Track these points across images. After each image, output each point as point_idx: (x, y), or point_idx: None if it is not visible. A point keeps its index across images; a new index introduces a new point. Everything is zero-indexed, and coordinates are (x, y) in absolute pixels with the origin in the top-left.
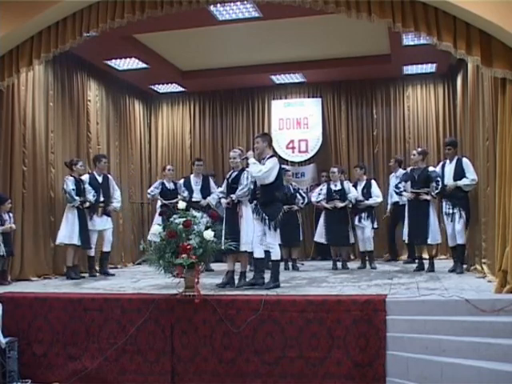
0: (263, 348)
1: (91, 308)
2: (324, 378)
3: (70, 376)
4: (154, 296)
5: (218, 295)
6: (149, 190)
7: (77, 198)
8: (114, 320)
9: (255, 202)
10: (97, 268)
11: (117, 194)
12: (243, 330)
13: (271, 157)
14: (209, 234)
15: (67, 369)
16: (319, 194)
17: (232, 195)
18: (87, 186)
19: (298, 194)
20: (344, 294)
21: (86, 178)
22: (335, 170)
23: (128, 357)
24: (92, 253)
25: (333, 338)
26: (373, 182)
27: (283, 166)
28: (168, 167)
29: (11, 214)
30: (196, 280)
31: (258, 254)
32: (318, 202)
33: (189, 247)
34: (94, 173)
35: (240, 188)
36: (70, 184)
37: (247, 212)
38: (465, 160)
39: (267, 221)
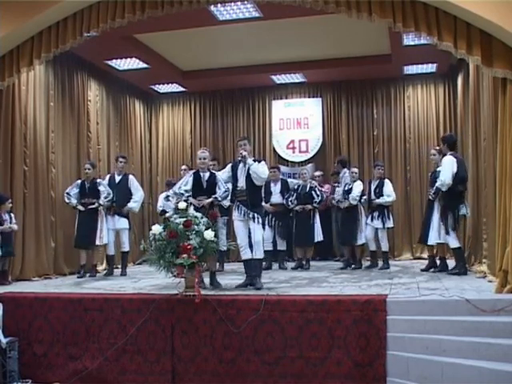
0: (263, 348)
1: (91, 308)
2: (324, 378)
3: (71, 376)
4: (154, 296)
5: (219, 295)
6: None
7: (72, 200)
8: (114, 320)
9: (238, 203)
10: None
11: (137, 194)
12: (243, 330)
13: (262, 160)
14: (209, 234)
15: (67, 369)
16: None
17: (216, 196)
18: (101, 187)
19: (313, 192)
20: (344, 294)
21: (106, 178)
22: (356, 170)
23: (128, 357)
24: (111, 252)
25: (333, 338)
26: (386, 180)
27: (302, 167)
28: (182, 167)
29: (12, 214)
30: (196, 280)
31: (248, 255)
32: (337, 202)
33: (189, 247)
34: (115, 173)
35: (223, 191)
36: (69, 188)
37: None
38: (444, 159)
39: (259, 219)
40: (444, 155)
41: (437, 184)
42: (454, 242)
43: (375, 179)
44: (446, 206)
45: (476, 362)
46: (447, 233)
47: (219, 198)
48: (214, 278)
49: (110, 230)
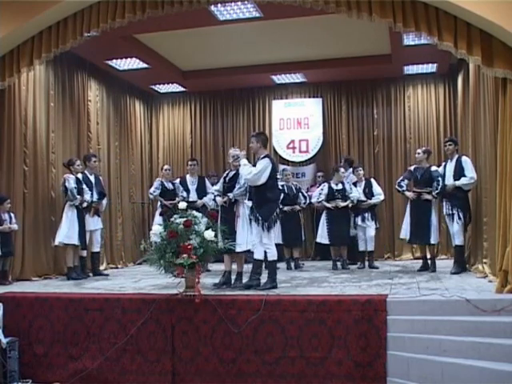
0: (264, 348)
1: (92, 308)
2: (324, 378)
3: (71, 376)
4: (154, 296)
5: (219, 295)
6: (150, 190)
7: (78, 196)
8: (114, 320)
9: (250, 201)
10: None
11: (105, 195)
12: (244, 330)
13: (264, 157)
14: (209, 234)
15: (68, 369)
16: (320, 193)
17: (229, 194)
18: (85, 186)
19: (300, 194)
20: (345, 294)
21: (79, 177)
22: (361, 170)
23: (129, 357)
24: (84, 253)
25: (333, 338)
26: (372, 180)
27: (284, 166)
28: (165, 167)
29: (12, 214)
30: (196, 280)
31: (259, 255)
32: (318, 202)
33: (189, 247)
34: (86, 172)
35: (237, 187)
36: (72, 182)
37: (244, 212)
38: (464, 158)
39: (260, 221)
40: (428, 155)
41: (464, 181)
42: (461, 240)
43: (360, 181)
44: (462, 205)
45: (476, 362)
46: (466, 230)
47: (231, 196)
48: (241, 278)
49: (86, 231)
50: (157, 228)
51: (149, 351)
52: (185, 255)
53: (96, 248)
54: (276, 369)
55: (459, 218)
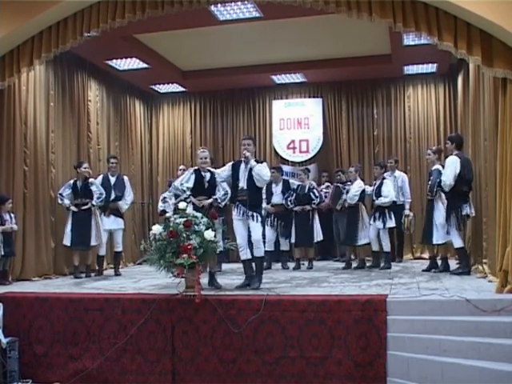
0: (264, 348)
1: (92, 308)
2: (325, 378)
3: (71, 376)
4: (154, 296)
5: (219, 295)
6: (165, 194)
7: (64, 201)
8: (114, 320)
9: (238, 203)
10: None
11: (130, 196)
12: (244, 330)
13: (263, 161)
14: (209, 234)
15: (68, 369)
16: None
17: (216, 197)
18: (94, 187)
19: (311, 194)
20: (345, 294)
21: (99, 178)
22: (352, 169)
23: (129, 357)
24: (101, 252)
25: (333, 338)
26: (385, 181)
27: (306, 167)
28: (180, 167)
29: (13, 215)
30: (196, 280)
31: (246, 255)
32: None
33: (189, 247)
34: (108, 174)
35: (223, 193)
36: (62, 188)
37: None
38: (448, 159)
39: (258, 218)
40: (439, 154)
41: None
42: (458, 242)
43: (377, 179)
44: (448, 206)
45: (476, 362)
46: (448, 232)
47: (219, 200)
48: (214, 279)
49: (104, 231)
50: (157, 228)
51: (149, 351)
52: (185, 255)
53: (115, 248)
54: (276, 369)
55: (445, 219)
